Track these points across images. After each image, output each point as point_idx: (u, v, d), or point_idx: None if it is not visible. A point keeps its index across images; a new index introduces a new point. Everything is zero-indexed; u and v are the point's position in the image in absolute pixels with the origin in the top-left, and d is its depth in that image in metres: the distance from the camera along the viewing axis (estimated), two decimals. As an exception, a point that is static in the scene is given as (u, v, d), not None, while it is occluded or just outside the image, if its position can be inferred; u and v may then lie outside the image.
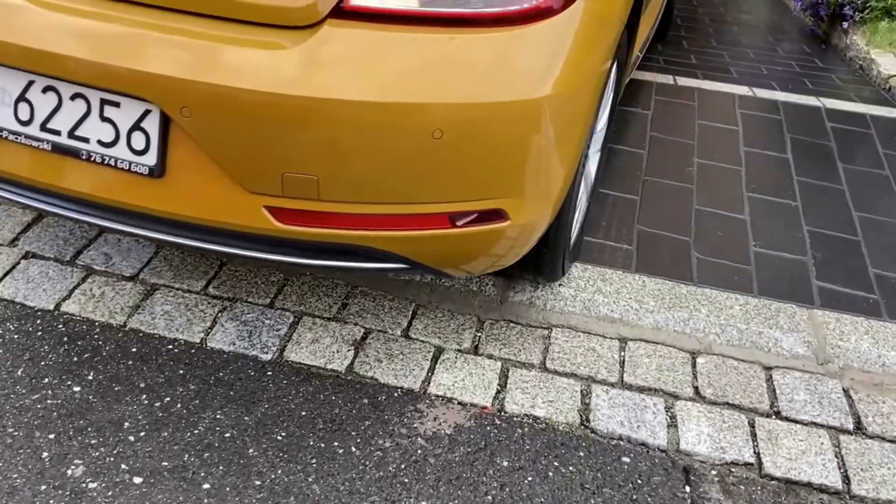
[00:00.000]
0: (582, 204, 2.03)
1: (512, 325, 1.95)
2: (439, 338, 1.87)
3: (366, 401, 1.67)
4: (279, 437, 1.56)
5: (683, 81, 3.43)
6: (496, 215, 1.47)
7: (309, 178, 1.34)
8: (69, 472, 1.44)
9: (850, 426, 1.75)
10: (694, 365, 1.88)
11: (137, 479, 1.43)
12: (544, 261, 1.85)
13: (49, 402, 1.58)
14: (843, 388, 1.86)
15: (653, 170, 2.65)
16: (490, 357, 1.84)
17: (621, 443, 1.65)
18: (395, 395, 1.70)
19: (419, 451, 1.56)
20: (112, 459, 1.47)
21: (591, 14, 1.50)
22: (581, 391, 1.77)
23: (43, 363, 1.67)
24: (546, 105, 1.41)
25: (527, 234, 1.58)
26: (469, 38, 1.35)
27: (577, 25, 1.46)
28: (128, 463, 1.46)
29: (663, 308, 1.99)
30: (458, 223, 1.45)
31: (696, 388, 1.81)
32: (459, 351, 1.85)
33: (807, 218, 2.46)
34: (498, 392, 1.74)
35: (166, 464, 1.47)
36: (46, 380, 1.63)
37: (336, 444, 1.56)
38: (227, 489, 1.44)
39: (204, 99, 1.31)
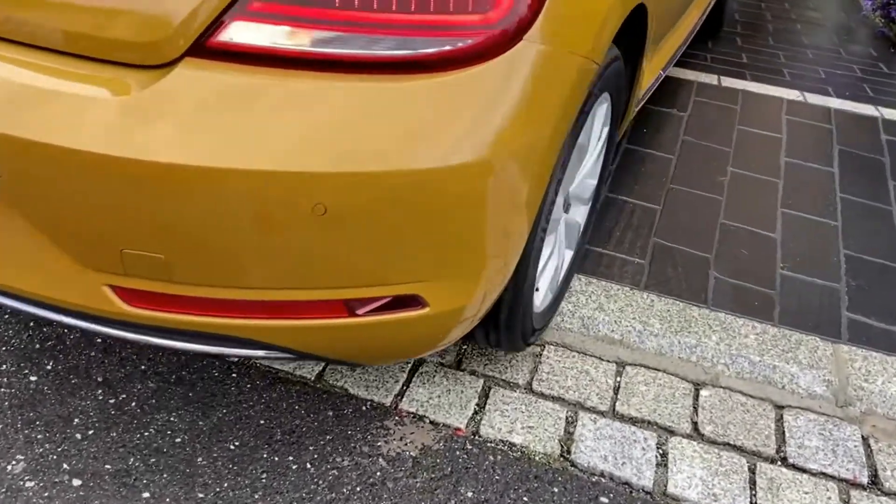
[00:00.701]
0: (561, 262, 1.78)
1: (502, 339, 1.82)
2: (422, 348, 1.76)
3: (330, 413, 1.57)
4: (232, 447, 1.47)
5: (728, 82, 3.21)
6: (410, 302, 1.19)
7: (154, 256, 1.07)
8: (9, 467, 1.38)
9: (865, 479, 1.57)
10: (696, 397, 1.72)
11: (77, 482, 1.37)
12: (498, 337, 1.57)
13: (3, 390, 1.53)
14: (863, 436, 1.67)
15: (680, 177, 2.47)
16: (473, 373, 1.72)
17: (602, 480, 1.51)
18: (363, 408, 1.59)
19: (378, 474, 1.45)
20: (55, 458, 1.41)
21: (546, 58, 1.17)
22: (566, 418, 1.63)
23: (4, 348, 1.62)
24: (470, 173, 1.09)
25: (454, 320, 1.28)
26: (370, 88, 1.04)
27: (523, 71, 1.13)
28: (70, 463, 1.40)
29: (669, 332, 1.83)
30: (359, 311, 1.17)
31: (695, 423, 1.65)
32: (441, 364, 1.73)
33: (846, 240, 2.25)
34: (475, 413, 1.62)
35: (109, 467, 1.40)
36: (4, 367, 1.58)
37: (290, 458, 1.46)
38: (168, 499, 1.36)
39: (14, 156, 1.03)
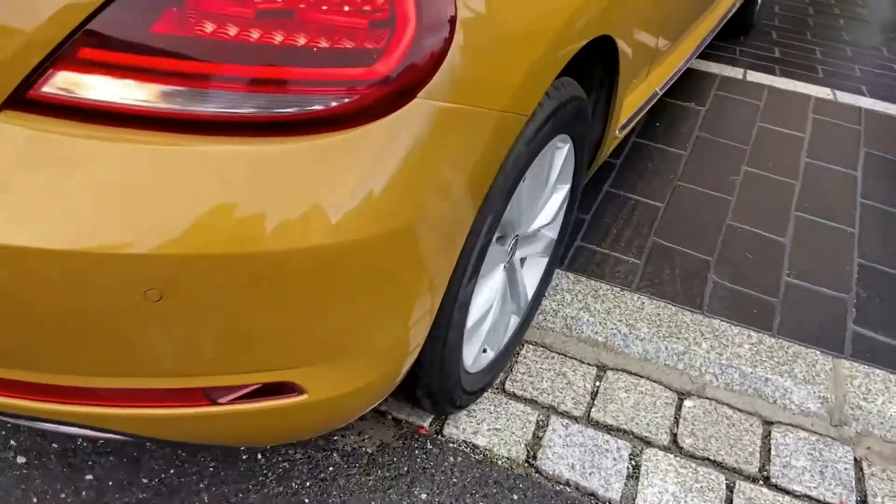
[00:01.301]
0: (507, 322, 1.58)
1: (480, 335, 1.75)
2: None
3: (290, 403, 1.52)
4: (183, 432, 1.43)
5: (754, 76, 3.06)
6: (283, 389, 1.03)
7: None
8: (-43, 441, 1.37)
9: (853, 507, 1.47)
10: (679, 408, 1.63)
11: (21, 459, 1.35)
12: (419, 401, 1.41)
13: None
14: (856, 458, 1.56)
15: (690, 175, 2.35)
16: (445, 369, 1.65)
17: (566, 489, 1.44)
18: (325, 400, 1.55)
19: (330, 469, 1.40)
20: (2, 433, 1.39)
21: (447, 116, 0.97)
22: (537, 422, 1.55)
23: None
24: (343, 251, 0.92)
25: (344, 405, 1.12)
26: (222, 152, 0.86)
27: (415, 132, 0.94)
28: (17, 439, 1.38)
29: (657, 337, 1.74)
30: (221, 400, 1.02)
31: (674, 435, 1.56)
32: (412, 358, 1.67)
33: (861, 249, 2.12)
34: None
35: (56, 445, 1.38)
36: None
37: (242, 448, 1.42)
38: (111, 483, 1.33)
39: None
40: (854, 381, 1.69)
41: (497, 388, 1.62)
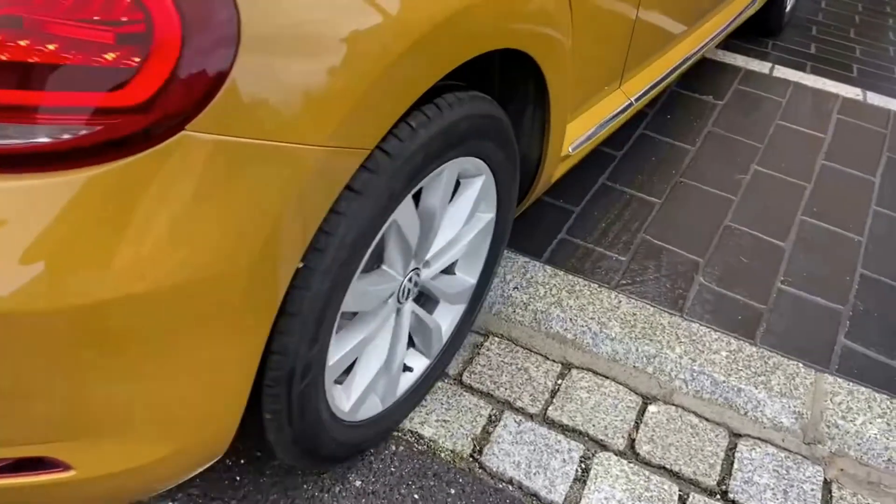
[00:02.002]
0: (399, 366, 1.35)
1: (446, 323, 1.71)
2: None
3: (239, 379, 1.51)
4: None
5: (782, 72, 2.92)
6: (44, 464, 0.88)
7: None
8: None
9: (814, 531, 1.38)
10: (642, 412, 1.56)
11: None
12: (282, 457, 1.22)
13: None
14: (826, 480, 1.47)
15: (694, 171, 2.25)
16: (403, 356, 1.62)
17: (508, 488, 1.39)
18: (275, 378, 1.53)
19: (261, 452, 1.38)
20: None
21: (229, 153, 0.79)
22: (489, 416, 1.51)
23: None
24: (93, 310, 0.77)
25: (129, 482, 0.95)
26: None
27: (180, 173, 0.77)
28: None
29: (629, 337, 1.66)
30: None
31: (632, 440, 1.50)
32: (371, 342, 1.64)
33: (867, 259, 2.00)
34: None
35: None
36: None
37: None
38: None
39: None
40: (835, 397, 1.59)
41: (453, 380, 1.57)
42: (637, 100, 1.89)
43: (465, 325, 1.51)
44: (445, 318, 1.46)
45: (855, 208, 2.18)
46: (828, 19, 3.95)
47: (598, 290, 1.78)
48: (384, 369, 1.31)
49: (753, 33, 3.27)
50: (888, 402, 1.59)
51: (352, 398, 1.25)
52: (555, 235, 1.94)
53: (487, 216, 1.40)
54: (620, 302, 1.76)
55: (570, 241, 1.93)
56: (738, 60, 2.95)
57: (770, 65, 2.97)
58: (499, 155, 1.30)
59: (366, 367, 1.28)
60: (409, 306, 1.33)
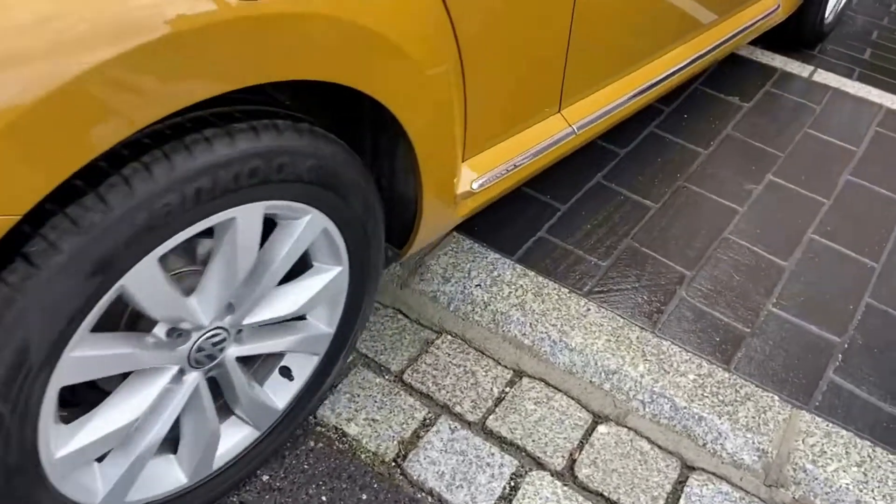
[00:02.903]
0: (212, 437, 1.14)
1: (399, 316, 1.62)
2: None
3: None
4: None
5: (823, 77, 2.70)
6: None
7: None
8: None
9: (757, 584, 1.25)
10: (590, 432, 1.44)
11: None
12: None
13: None
14: (781, 529, 1.34)
15: (700, 177, 2.09)
16: (346, 346, 1.54)
17: (427, 499, 1.30)
18: (206, 358, 1.47)
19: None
20: None
21: None
22: (423, 420, 1.42)
23: None
24: None
25: None
26: None
27: None
28: None
29: (590, 349, 1.55)
30: None
31: (572, 461, 1.39)
32: (315, 329, 1.57)
33: (878, 288, 1.81)
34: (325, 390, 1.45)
35: None
36: None
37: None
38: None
39: None
40: (809, 438, 1.44)
41: (394, 377, 1.49)
42: (582, 128, 1.63)
43: (324, 376, 1.28)
44: (280, 397, 1.23)
45: (875, 231, 1.99)
46: (894, 24, 3.66)
47: (568, 295, 1.66)
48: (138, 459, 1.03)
49: (782, 45, 2.89)
50: (870, 450, 1.43)
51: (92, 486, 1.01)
52: (533, 233, 1.83)
53: (335, 269, 1.15)
54: (589, 310, 1.64)
55: (548, 241, 1.81)
56: (776, 60, 2.74)
57: (812, 68, 2.75)
58: (332, 198, 1.06)
59: (132, 448, 1.03)
60: (195, 377, 1.06)
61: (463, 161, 1.34)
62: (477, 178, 1.37)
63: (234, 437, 1.19)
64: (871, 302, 1.77)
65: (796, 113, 2.45)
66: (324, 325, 1.22)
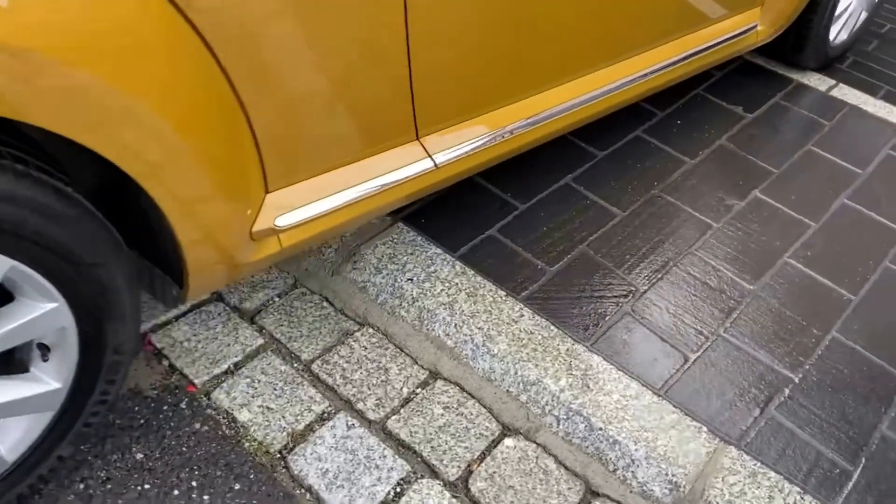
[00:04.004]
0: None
1: (324, 304, 1.57)
2: (226, 286, 1.56)
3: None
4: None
5: (843, 92, 2.52)
6: None
7: None
8: None
9: None
10: (496, 444, 1.36)
11: None
12: None
13: None
14: (680, 571, 1.24)
15: (680, 187, 1.97)
16: (260, 329, 1.49)
17: (305, 497, 1.24)
18: (113, 327, 1.44)
19: (66, 399, 1.31)
20: None
21: None
22: (321, 413, 1.36)
23: None
24: None
25: None
26: None
27: None
28: None
29: (513, 358, 1.46)
30: None
31: (469, 472, 1.31)
32: (233, 308, 1.52)
33: (849, 322, 1.67)
34: (225, 373, 1.40)
35: None
36: None
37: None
38: None
39: None
40: (730, 476, 1.33)
41: (303, 366, 1.44)
42: (446, 161, 1.40)
43: (64, 433, 1.11)
44: (10, 432, 1.06)
45: (861, 261, 1.84)
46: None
47: (504, 298, 1.58)
48: None
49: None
50: (797, 497, 1.32)
51: None
52: (483, 230, 1.75)
53: (45, 306, 0.96)
54: (523, 316, 1.55)
55: (497, 240, 1.73)
56: (793, 71, 2.57)
57: (833, 82, 2.57)
58: (38, 248, 0.90)
59: None
60: None
61: (268, 193, 1.17)
62: (284, 213, 1.19)
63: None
64: (837, 336, 1.63)
65: (803, 128, 2.30)
66: (53, 380, 1.03)
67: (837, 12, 2.46)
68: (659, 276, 1.70)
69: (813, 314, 1.67)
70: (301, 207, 1.22)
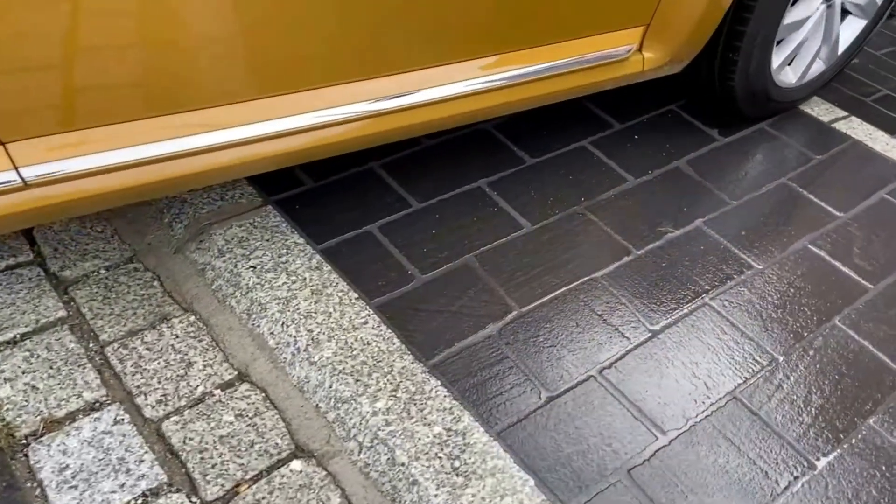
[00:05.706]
0: None
1: (154, 283, 1.41)
2: (53, 247, 1.43)
3: None
4: None
5: (850, 125, 2.20)
6: None
7: None
8: None
9: None
10: (279, 465, 1.17)
11: None
12: None
13: None
14: None
15: (608, 207, 1.72)
16: (69, 301, 1.35)
17: (35, 491, 1.08)
18: None
19: None
20: None
21: None
22: (91, 402, 1.20)
23: None
24: None
25: None
26: None
27: None
28: None
29: (334, 370, 1.26)
30: None
31: (233, 494, 1.12)
32: (50, 275, 1.39)
33: (761, 386, 1.39)
34: (8, 342, 1.26)
35: None
36: None
37: None
38: None
39: None
40: (543, 546, 1.10)
41: (97, 348, 1.28)
42: (38, 177, 1.03)
43: None
44: None
45: (803, 316, 1.55)
46: None
47: (353, 302, 1.39)
48: None
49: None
50: (621, 583, 1.07)
51: None
52: (362, 225, 1.56)
53: None
54: (366, 324, 1.35)
55: (373, 238, 1.53)
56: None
57: (843, 113, 2.25)
58: None
59: None
60: None
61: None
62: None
63: None
64: (739, 399, 1.36)
65: (783, 159, 2.00)
66: None
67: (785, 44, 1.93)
68: (545, 301, 1.47)
69: (715, 369, 1.40)
70: None
